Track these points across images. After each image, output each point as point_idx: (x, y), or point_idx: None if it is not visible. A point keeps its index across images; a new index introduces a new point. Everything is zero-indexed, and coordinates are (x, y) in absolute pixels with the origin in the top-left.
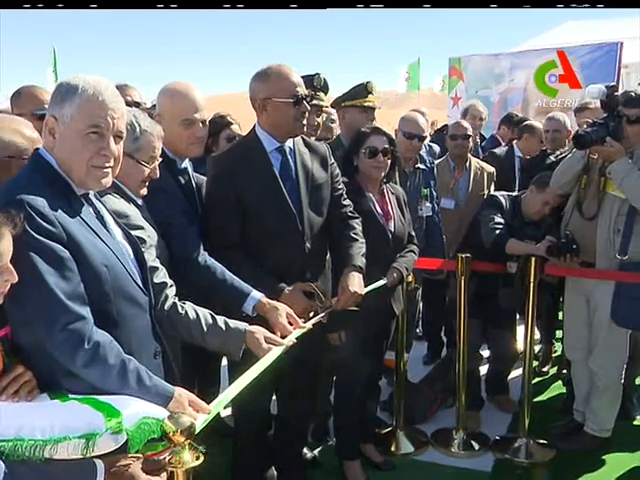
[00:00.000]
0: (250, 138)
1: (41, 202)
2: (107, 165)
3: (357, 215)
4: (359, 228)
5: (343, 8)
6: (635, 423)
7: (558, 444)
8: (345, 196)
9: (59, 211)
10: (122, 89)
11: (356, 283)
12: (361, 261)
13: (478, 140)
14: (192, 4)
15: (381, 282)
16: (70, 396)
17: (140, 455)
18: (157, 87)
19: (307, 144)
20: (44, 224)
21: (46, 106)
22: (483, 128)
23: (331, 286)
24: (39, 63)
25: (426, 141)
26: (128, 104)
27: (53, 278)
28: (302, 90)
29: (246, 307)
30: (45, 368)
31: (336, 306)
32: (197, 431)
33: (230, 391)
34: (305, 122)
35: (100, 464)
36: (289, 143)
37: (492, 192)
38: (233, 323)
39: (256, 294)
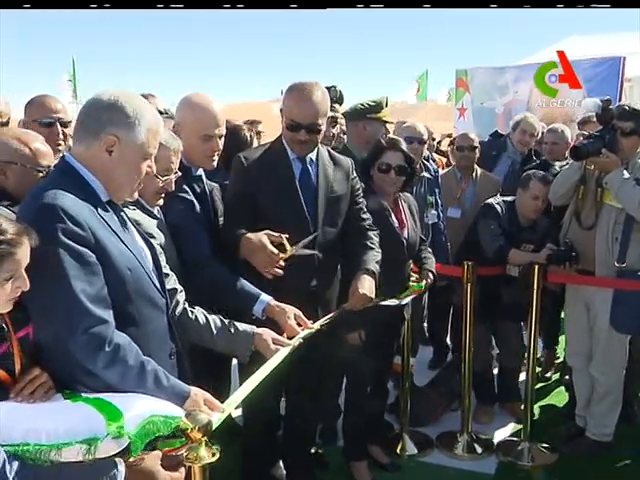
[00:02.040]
0: (276, 143)
1: (72, 206)
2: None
3: (375, 228)
4: (376, 240)
5: (343, 8)
6: (634, 428)
7: (560, 448)
8: (365, 210)
9: (87, 216)
10: (147, 99)
11: (367, 286)
12: (374, 267)
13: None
14: (192, 4)
15: (408, 299)
16: (83, 395)
17: (159, 452)
18: (165, 94)
19: (332, 157)
20: (74, 228)
21: (54, 115)
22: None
23: (337, 296)
24: (54, 71)
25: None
26: None
27: (79, 282)
28: (307, 120)
29: (256, 310)
30: (66, 367)
31: (346, 307)
32: (214, 428)
33: (241, 391)
34: (305, 147)
35: (121, 463)
36: (311, 154)
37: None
38: (242, 326)
39: (265, 297)
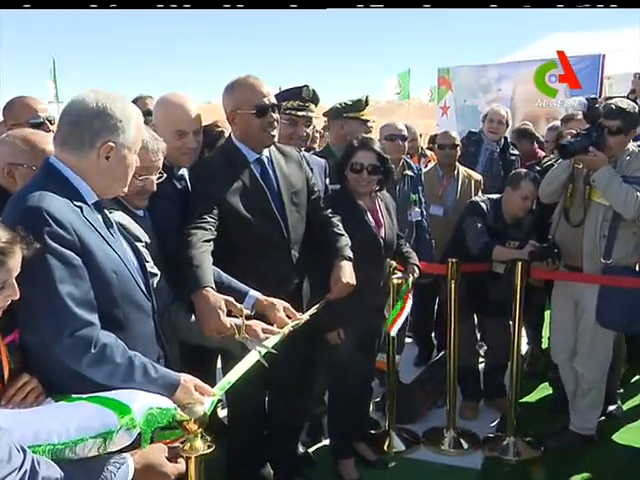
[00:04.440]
0: (229, 149)
1: (57, 209)
2: None
3: (336, 215)
4: (340, 226)
5: (343, 8)
6: (616, 421)
7: (546, 442)
8: (322, 197)
9: (73, 219)
10: (143, 99)
11: (347, 274)
12: (349, 253)
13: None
14: (192, 4)
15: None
16: (74, 396)
17: (164, 445)
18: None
19: (280, 150)
20: (59, 231)
21: (40, 114)
22: (506, 132)
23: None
24: (38, 73)
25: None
26: (149, 113)
27: (64, 286)
28: (268, 100)
29: (245, 306)
30: (52, 371)
31: (330, 297)
32: (207, 414)
33: (230, 375)
34: (274, 132)
35: (130, 458)
36: (266, 152)
37: (473, 198)
38: (231, 320)
39: (253, 293)
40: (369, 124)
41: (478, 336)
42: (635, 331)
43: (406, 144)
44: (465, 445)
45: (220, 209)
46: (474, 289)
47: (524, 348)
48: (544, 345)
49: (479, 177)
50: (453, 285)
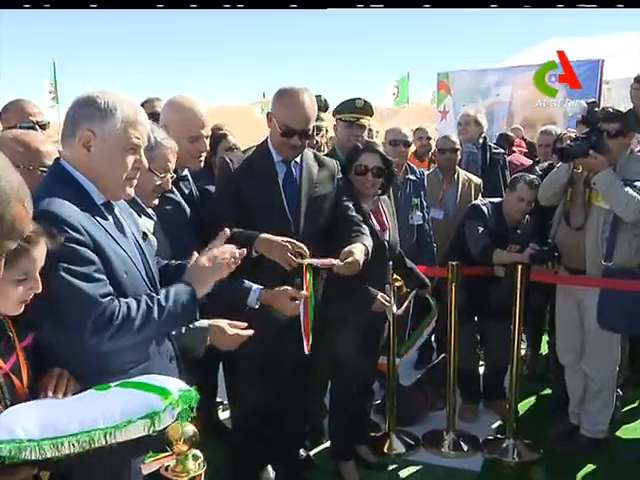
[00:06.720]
0: (261, 146)
1: (67, 212)
2: (137, 177)
3: (363, 224)
4: (367, 231)
5: (343, 8)
6: (617, 424)
7: (554, 446)
8: (352, 209)
9: (83, 220)
10: (151, 102)
11: (358, 253)
12: (369, 243)
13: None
14: (192, 4)
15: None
16: (107, 385)
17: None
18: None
19: (317, 158)
20: (72, 233)
21: (31, 118)
22: (483, 133)
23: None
24: (36, 74)
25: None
26: (156, 115)
27: (83, 282)
28: (300, 126)
29: (250, 301)
30: (73, 369)
31: (335, 265)
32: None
33: None
34: (294, 151)
35: None
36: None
37: (473, 201)
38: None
39: (256, 287)
40: (356, 127)
41: (478, 339)
42: (636, 333)
43: (409, 149)
44: (465, 447)
45: (239, 202)
46: (474, 292)
47: (523, 351)
48: (543, 348)
49: (479, 181)
50: (453, 288)
